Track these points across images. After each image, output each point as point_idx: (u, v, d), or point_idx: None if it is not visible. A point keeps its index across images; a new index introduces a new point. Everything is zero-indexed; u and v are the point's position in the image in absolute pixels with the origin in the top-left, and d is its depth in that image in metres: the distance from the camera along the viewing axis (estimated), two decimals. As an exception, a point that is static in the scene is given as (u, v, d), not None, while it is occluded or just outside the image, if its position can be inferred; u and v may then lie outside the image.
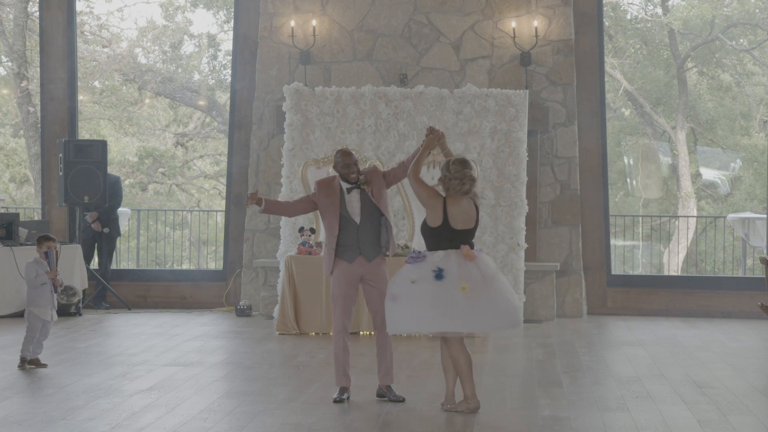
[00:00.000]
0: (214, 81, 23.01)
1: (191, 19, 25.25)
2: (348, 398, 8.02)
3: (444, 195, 7.67)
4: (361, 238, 8.02)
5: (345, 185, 8.10)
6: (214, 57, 22.98)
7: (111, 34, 22.16)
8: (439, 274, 7.51)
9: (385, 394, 8.05)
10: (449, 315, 7.47)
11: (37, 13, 17.58)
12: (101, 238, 13.84)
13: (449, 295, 7.49)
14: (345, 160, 8.09)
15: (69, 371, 9.13)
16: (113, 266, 14.27)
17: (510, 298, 7.61)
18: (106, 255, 13.87)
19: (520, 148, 13.03)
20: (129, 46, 22.34)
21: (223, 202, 17.84)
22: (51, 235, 9.54)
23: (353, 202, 8.06)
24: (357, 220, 8.02)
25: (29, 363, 9.29)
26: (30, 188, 22.46)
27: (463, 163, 7.67)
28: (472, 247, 7.67)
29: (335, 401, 7.94)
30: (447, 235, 7.62)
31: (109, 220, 13.88)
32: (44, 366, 9.27)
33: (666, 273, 19.35)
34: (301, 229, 12.02)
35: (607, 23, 20.16)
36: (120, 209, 14.37)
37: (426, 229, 7.72)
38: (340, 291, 8.05)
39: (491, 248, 12.92)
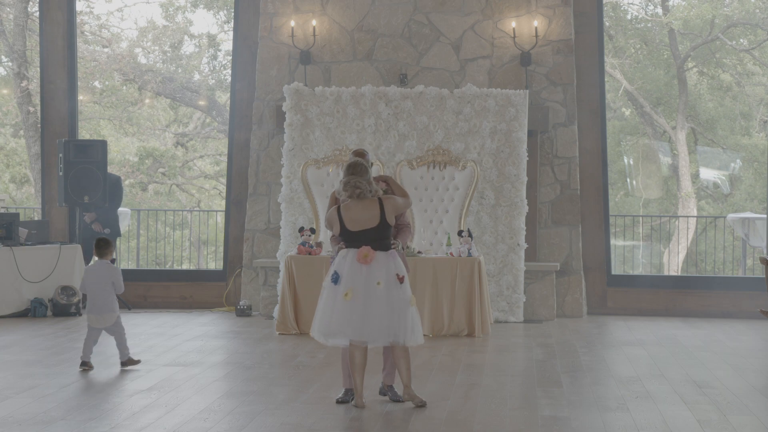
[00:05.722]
0: (214, 81, 23.02)
1: (191, 19, 25.23)
2: (351, 400, 7.99)
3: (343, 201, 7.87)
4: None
5: None
6: (214, 57, 22.99)
7: (111, 34, 22.16)
8: (335, 279, 7.77)
9: (386, 392, 8.06)
10: (334, 323, 7.74)
11: (37, 13, 17.58)
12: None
13: (336, 302, 7.74)
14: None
15: (69, 371, 9.13)
16: (113, 266, 14.26)
17: (388, 313, 7.71)
18: None
19: (520, 148, 13.03)
20: (129, 46, 22.34)
21: (223, 202, 17.84)
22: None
23: None
24: None
25: (124, 364, 9.36)
26: (30, 188, 22.46)
27: (349, 169, 7.84)
28: (385, 247, 7.79)
29: (338, 402, 7.92)
30: (345, 237, 7.85)
31: (109, 220, 13.86)
32: (138, 362, 9.42)
33: (666, 273, 19.34)
34: (301, 229, 12.01)
35: (607, 23, 20.15)
36: (120, 209, 14.35)
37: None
38: None
39: (491, 248, 12.92)
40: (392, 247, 7.93)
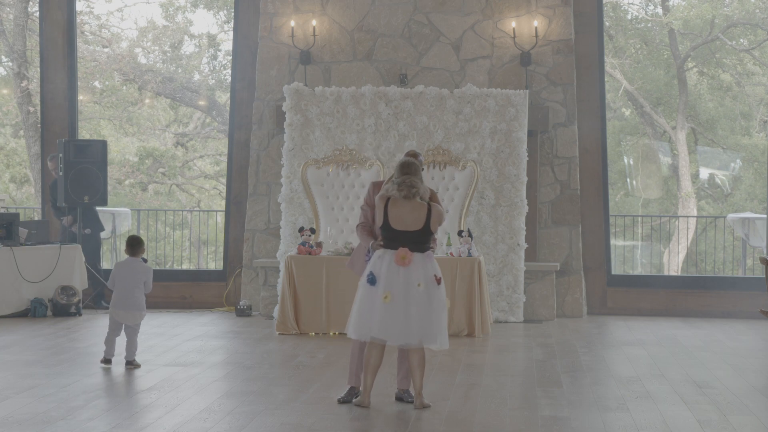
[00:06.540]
0: (214, 81, 23.02)
1: (191, 19, 25.23)
2: (353, 399, 7.97)
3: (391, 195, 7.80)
4: None
5: None
6: (214, 57, 22.99)
7: (111, 34, 22.17)
8: (371, 280, 7.72)
9: (403, 397, 8.02)
10: (371, 322, 7.68)
11: (37, 13, 17.58)
12: (83, 239, 13.70)
13: (374, 302, 7.69)
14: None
15: (69, 371, 9.13)
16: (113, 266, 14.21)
17: (428, 314, 7.69)
18: (93, 254, 13.77)
19: (520, 148, 13.03)
20: (129, 46, 22.35)
21: (223, 202, 17.84)
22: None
23: None
24: None
25: (129, 363, 9.40)
26: (30, 188, 22.46)
27: (403, 168, 7.81)
28: (423, 250, 7.76)
29: (340, 401, 7.91)
30: (387, 234, 7.79)
31: (88, 218, 13.74)
32: (139, 366, 9.42)
33: (666, 273, 19.34)
34: (301, 229, 12.01)
35: (607, 23, 20.15)
36: (120, 209, 14.32)
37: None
38: None
39: (491, 248, 12.92)
40: (431, 248, 7.91)
